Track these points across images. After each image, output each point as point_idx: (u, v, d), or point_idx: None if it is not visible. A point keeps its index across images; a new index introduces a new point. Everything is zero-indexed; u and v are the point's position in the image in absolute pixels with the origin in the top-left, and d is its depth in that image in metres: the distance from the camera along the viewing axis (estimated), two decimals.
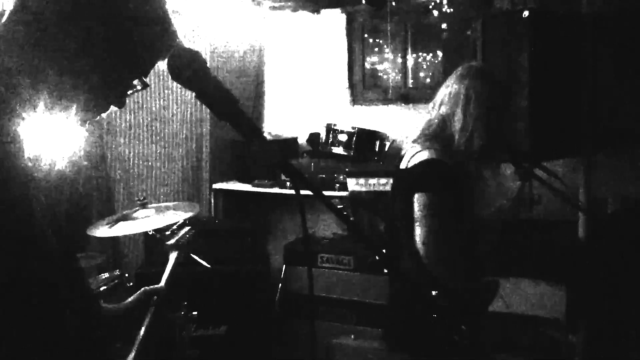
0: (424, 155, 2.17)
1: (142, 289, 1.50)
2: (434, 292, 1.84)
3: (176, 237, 2.10)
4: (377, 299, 3.47)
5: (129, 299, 1.44)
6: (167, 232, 2.17)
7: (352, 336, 3.49)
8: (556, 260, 3.06)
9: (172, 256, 1.99)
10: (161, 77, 3.91)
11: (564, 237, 3.09)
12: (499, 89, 2.22)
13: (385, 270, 2.41)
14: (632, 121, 2.90)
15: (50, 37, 0.99)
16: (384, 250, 2.09)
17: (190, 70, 1.02)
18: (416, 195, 2.12)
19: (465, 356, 1.65)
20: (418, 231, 2.10)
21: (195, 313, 2.39)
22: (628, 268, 2.80)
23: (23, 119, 0.97)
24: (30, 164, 0.98)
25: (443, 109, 2.23)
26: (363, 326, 3.53)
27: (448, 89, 2.25)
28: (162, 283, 1.58)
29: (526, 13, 2.56)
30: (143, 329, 1.29)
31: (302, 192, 1.03)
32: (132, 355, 1.26)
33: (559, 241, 3.10)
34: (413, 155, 2.20)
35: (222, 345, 3.30)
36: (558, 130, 2.66)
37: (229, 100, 1.01)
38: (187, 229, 2.14)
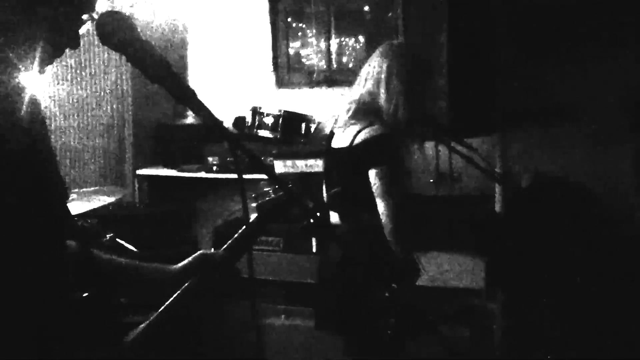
0: (372, 131, 2.22)
1: (200, 251, 1.30)
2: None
3: (265, 199, 1.60)
4: (306, 279, 3.52)
5: (182, 262, 1.28)
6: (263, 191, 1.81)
7: (283, 316, 3.52)
8: (475, 233, 3.21)
9: (251, 218, 1.55)
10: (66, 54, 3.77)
11: (482, 210, 3.25)
12: (418, 66, 2.32)
13: (315, 240, 2.48)
14: (543, 100, 3.09)
15: None
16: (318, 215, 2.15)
17: (121, 33, 1.01)
18: (374, 171, 2.18)
19: (399, 320, 1.72)
20: (382, 205, 2.16)
21: (122, 300, 2.32)
22: (540, 238, 2.99)
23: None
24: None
25: (368, 86, 2.30)
26: (293, 306, 3.58)
27: (371, 66, 2.32)
28: (223, 248, 1.32)
29: None
30: (175, 295, 1.14)
31: (231, 175, 1.03)
32: (148, 321, 1.12)
33: (478, 214, 3.26)
34: (357, 132, 2.24)
35: (153, 332, 3.24)
36: (476, 108, 2.79)
37: (162, 62, 1.01)
38: (280, 194, 1.65)
